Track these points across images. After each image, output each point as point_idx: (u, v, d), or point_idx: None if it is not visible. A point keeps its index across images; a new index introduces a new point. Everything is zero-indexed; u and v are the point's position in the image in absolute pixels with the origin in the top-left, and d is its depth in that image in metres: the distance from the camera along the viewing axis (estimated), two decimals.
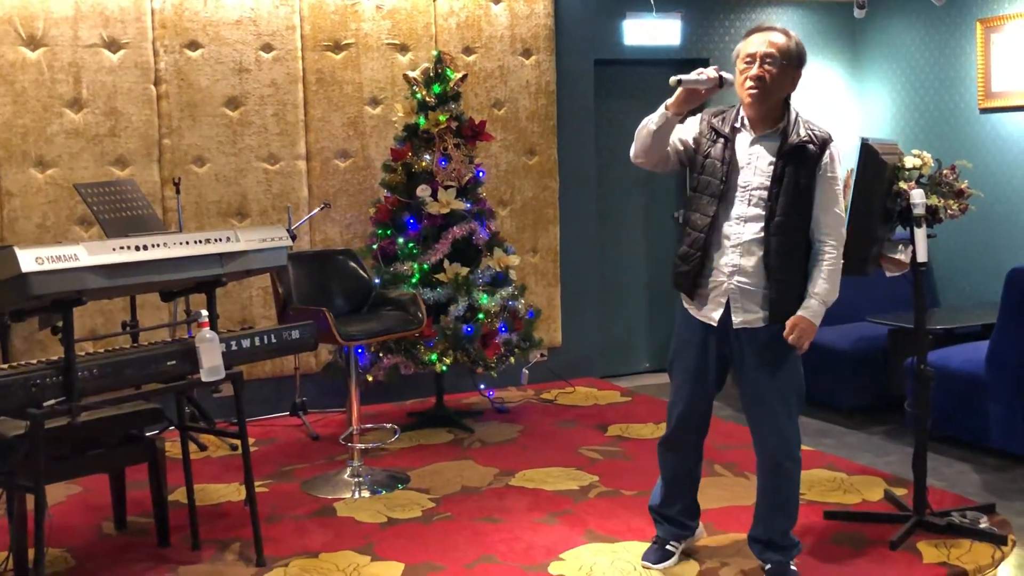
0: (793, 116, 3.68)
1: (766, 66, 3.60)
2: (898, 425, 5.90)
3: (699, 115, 3.81)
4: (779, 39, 3.64)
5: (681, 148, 3.79)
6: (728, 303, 3.69)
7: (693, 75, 3.56)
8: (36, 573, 3.55)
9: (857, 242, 4.10)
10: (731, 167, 3.67)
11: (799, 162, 3.61)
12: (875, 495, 4.79)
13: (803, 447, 5.50)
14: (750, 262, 3.64)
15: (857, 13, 7.08)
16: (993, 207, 6.59)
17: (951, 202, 4.21)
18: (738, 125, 3.72)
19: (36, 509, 3.52)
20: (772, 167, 3.63)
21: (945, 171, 4.27)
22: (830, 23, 7.84)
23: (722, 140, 3.71)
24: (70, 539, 4.45)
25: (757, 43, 3.63)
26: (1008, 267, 5.23)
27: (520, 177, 7.00)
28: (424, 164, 5.91)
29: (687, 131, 3.79)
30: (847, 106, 7.92)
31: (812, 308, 3.62)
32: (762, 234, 3.62)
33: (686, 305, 3.84)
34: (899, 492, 4.74)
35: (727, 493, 4.75)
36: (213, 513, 4.73)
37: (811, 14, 7.80)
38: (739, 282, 3.66)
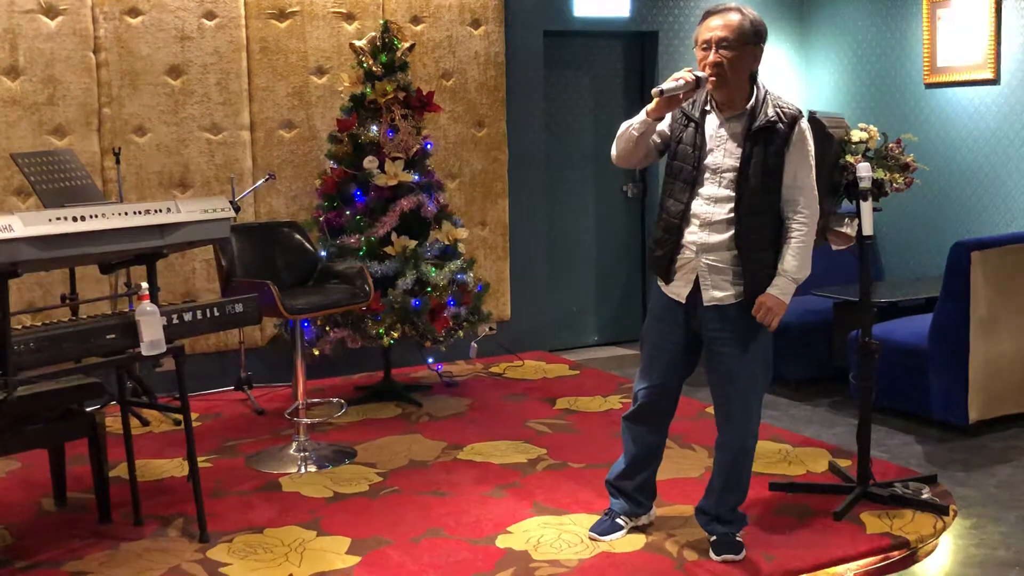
0: (762, 95, 3.67)
1: (722, 51, 3.59)
2: (843, 397, 5.97)
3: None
4: (733, 19, 3.62)
5: (659, 140, 3.79)
6: (697, 280, 3.70)
7: (671, 82, 3.53)
8: None
9: None
10: (701, 151, 3.67)
11: (768, 142, 3.62)
12: (820, 467, 4.84)
13: None
14: (718, 239, 3.65)
15: None
16: (937, 181, 6.66)
17: (896, 176, 4.23)
18: (708, 108, 3.72)
19: None
20: (741, 148, 3.63)
21: (891, 145, 4.29)
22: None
23: (692, 124, 3.70)
24: (8, 516, 4.36)
25: (711, 28, 3.62)
26: (951, 241, 5.29)
27: (469, 149, 6.94)
28: (371, 135, 5.84)
29: (661, 122, 3.77)
30: (793, 80, 7.95)
31: (780, 286, 3.64)
32: (732, 214, 3.63)
33: (659, 283, 3.85)
34: (843, 463, 4.78)
35: (673, 465, 4.76)
36: (155, 489, 4.66)
37: None
38: (707, 260, 3.67)
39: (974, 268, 5.10)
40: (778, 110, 3.64)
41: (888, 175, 4.20)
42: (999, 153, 6.48)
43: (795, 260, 3.64)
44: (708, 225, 3.66)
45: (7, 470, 4.90)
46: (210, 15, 6.14)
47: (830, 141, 4.12)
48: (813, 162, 3.69)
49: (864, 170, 4.10)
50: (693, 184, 3.68)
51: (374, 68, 5.87)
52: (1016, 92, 6.36)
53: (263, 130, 6.35)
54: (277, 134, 6.39)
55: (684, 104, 3.69)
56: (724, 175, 3.65)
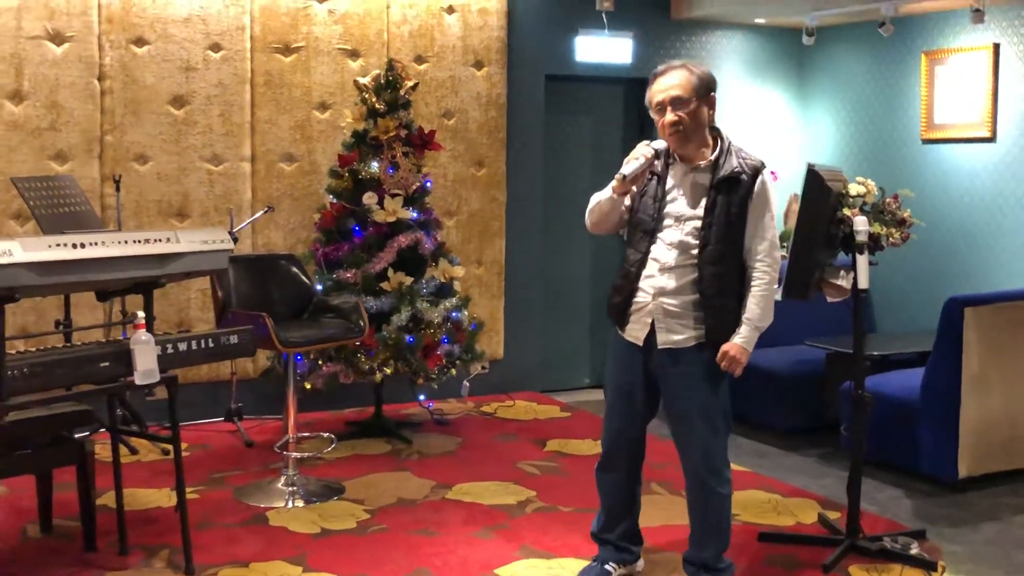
0: (725, 146, 3.75)
1: (677, 110, 3.68)
2: (833, 448, 5.96)
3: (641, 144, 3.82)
4: (681, 77, 3.72)
5: (629, 202, 3.85)
6: (653, 324, 3.74)
7: (632, 163, 3.64)
8: None
9: (800, 267, 4.15)
10: (663, 201, 3.75)
11: (731, 191, 3.69)
12: (809, 518, 4.83)
13: (739, 467, 5.56)
14: (676, 284, 3.70)
15: (806, 40, 7.18)
16: (932, 237, 6.69)
17: (893, 230, 4.26)
18: (671, 160, 3.79)
19: None
20: (705, 198, 3.70)
21: (888, 200, 4.32)
22: (777, 48, 7.93)
23: (655, 177, 3.78)
24: None
25: (663, 90, 3.72)
26: (945, 296, 5.31)
27: (468, 188, 6.98)
28: (371, 171, 5.87)
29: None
30: (791, 131, 8.02)
31: (744, 334, 3.69)
32: (695, 261, 3.68)
33: (617, 328, 3.89)
34: (832, 515, 4.78)
35: (663, 512, 4.75)
36: (142, 518, 4.64)
37: (758, 38, 7.88)
38: (663, 303, 3.72)
39: (967, 324, 5.11)
40: (741, 161, 3.72)
41: (885, 230, 4.23)
42: (994, 211, 6.53)
43: (758, 308, 3.70)
44: (668, 270, 3.71)
45: None
46: (216, 47, 6.18)
47: (828, 194, 4.15)
48: (775, 211, 3.76)
49: (861, 224, 4.13)
50: (652, 232, 3.75)
51: (377, 105, 5.91)
52: (1012, 151, 6.42)
53: (264, 162, 6.37)
54: (278, 167, 6.41)
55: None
56: (688, 223, 3.71)
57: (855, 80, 7.52)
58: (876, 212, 4.29)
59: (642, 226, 3.78)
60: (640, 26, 7.41)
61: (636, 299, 3.77)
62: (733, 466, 5.54)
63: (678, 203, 3.74)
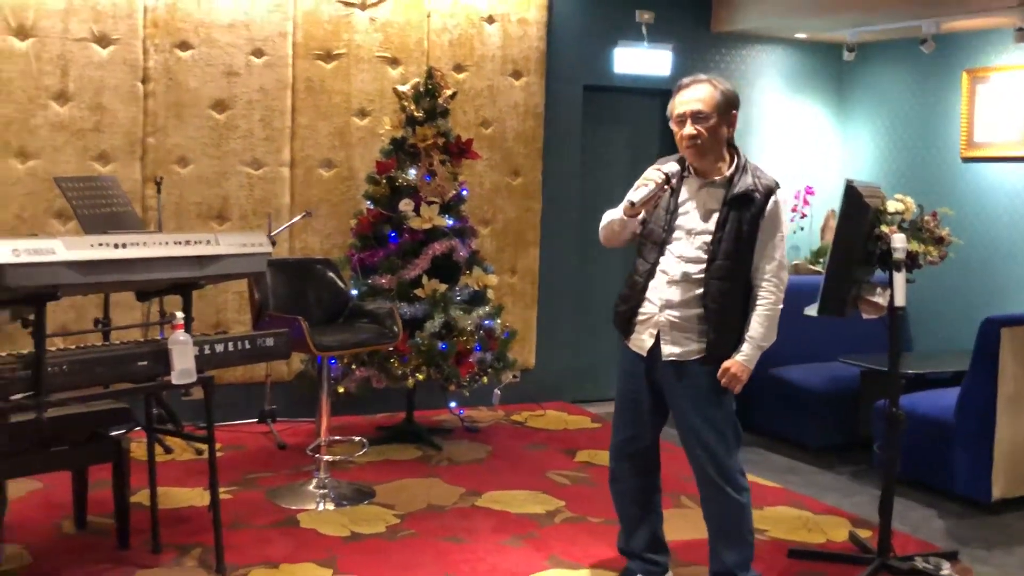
0: (741, 163, 3.76)
1: (697, 124, 3.69)
2: (865, 466, 5.92)
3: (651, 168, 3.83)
4: (704, 92, 3.72)
5: (643, 216, 3.86)
6: (658, 335, 3.76)
7: (642, 190, 3.63)
8: None
9: (836, 283, 4.13)
10: (675, 214, 3.77)
11: (743, 209, 3.70)
12: (840, 535, 4.80)
13: (769, 483, 5.54)
14: (683, 297, 3.72)
15: (846, 56, 7.16)
16: (970, 255, 6.64)
17: (931, 248, 4.24)
18: (686, 173, 3.80)
19: None
20: (717, 213, 3.71)
21: (927, 217, 4.30)
22: (817, 63, 7.90)
23: (669, 189, 3.78)
24: (28, 536, 4.39)
25: (685, 102, 3.73)
26: (982, 316, 5.27)
27: (503, 197, 7.00)
28: (408, 178, 5.90)
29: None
30: (830, 147, 7.99)
31: (746, 352, 3.71)
32: (702, 275, 3.70)
33: (622, 338, 3.91)
34: (864, 534, 4.74)
35: (692, 525, 4.73)
36: (175, 517, 4.68)
37: (798, 53, 7.86)
38: (669, 315, 3.73)
39: (1003, 345, 5.07)
40: (756, 180, 3.73)
41: (923, 247, 4.21)
42: None
43: (761, 327, 3.70)
44: (675, 283, 3.73)
45: (29, 490, 4.93)
46: (258, 53, 6.25)
47: (866, 210, 4.14)
48: (785, 232, 3.77)
49: (899, 241, 4.11)
50: (662, 244, 3.77)
51: (416, 113, 5.95)
52: None
53: (303, 167, 6.43)
54: (316, 172, 6.47)
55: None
56: (698, 237, 3.72)
57: (895, 97, 7.48)
58: (914, 230, 4.26)
59: (652, 237, 3.80)
60: (680, 39, 7.41)
61: (642, 309, 3.80)
62: (764, 481, 5.56)
63: (690, 216, 3.75)
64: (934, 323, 7.03)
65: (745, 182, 3.70)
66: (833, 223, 7.47)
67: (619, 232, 3.83)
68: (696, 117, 3.69)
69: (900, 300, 4.14)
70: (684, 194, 3.78)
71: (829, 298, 4.13)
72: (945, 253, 4.32)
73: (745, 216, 3.68)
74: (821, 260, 7.50)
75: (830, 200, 7.70)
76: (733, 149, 3.81)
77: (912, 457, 5.37)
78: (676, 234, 3.75)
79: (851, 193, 4.08)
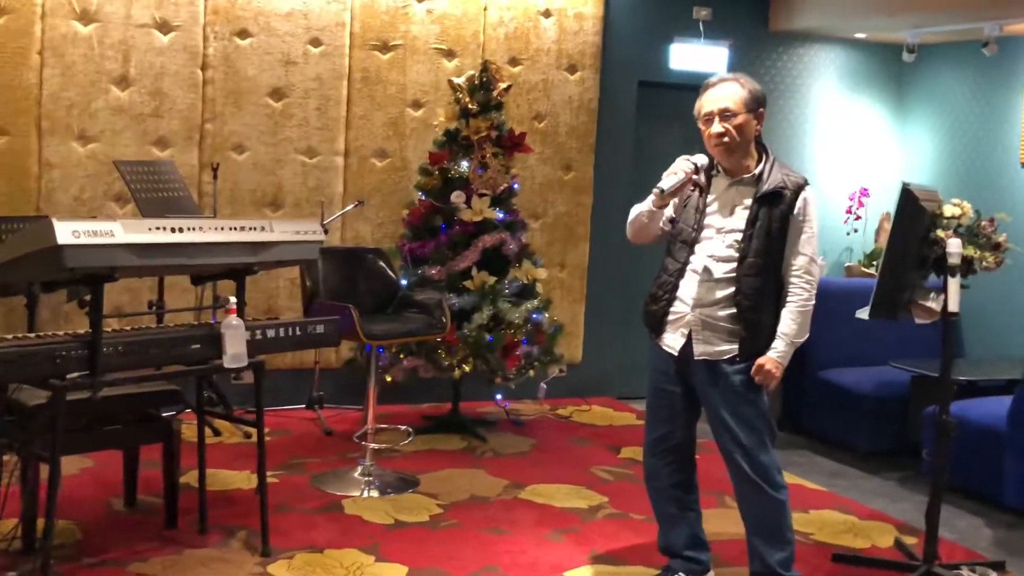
0: (770, 162, 3.77)
1: (724, 122, 3.70)
2: (913, 472, 5.85)
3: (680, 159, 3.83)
4: (731, 90, 3.74)
5: (672, 213, 3.88)
6: (690, 334, 3.75)
7: (671, 178, 3.66)
8: (45, 542, 3.57)
9: (889, 286, 4.09)
10: (704, 213, 3.77)
11: (773, 206, 3.70)
12: (885, 541, 4.75)
13: (815, 487, 5.50)
14: (717, 296, 3.71)
15: (906, 57, 7.07)
16: None
17: (987, 254, 4.17)
18: (715, 172, 3.81)
19: (50, 480, 3.54)
20: (747, 211, 3.71)
21: (984, 223, 4.23)
22: (876, 63, 7.81)
23: (698, 189, 3.79)
24: (79, 513, 4.47)
25: (712, 101, 3.75)
26: None
27: (555, 191, 7.00)
28: (461, 170, 5.93)
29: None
30: (888, 148, 7.89)
31: (779, 349, 3.69)
32: (733, 273, 3.69)
33: (652, 336, 3.91)
34: (909, 541, 4.70)
35: (737, 526, 4.70)
36: (222, 499, 4.75)
37: (857, 53, 7.77)
38: (702, 314, 3.73)
39: None
40: (785, 177, 3.73)
41: (979, 253, 4.15)
42: None
43: (794, 324, 3.69)
44: (707, 282, 3.72)
45: (81, 467, 5.02)
46: (316, 42, 6.30)
47: (922, 214, 4.09)
48: (816, 229, 3.76)
49: (954, 246, 4.05)
50: (693, 243, 3.77)
51: (470, 105, 5.97)
52: None
53: (356, 157, 6.48)
54: (370, 162, 6.51)
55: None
56: (728, 235, 3.72)
57: (955, 100, 7.37)
58: (970, 235, 4.20)
59: (682, 236, 3.80)
60: (737, 36, 7.36)
61: (673, 309, 3.80)
62: (810, 484, 5.53)
63: (720, 215, 3.75)
64: (988, 330, 6.93)
65: (775, 179, 3.71)
66: (888, 226, 7.37)
67: (647, 225, 3.82)
68: (724, 115, 3.70)
69: (954, 306, 4.08)
70: (713, 193, 3.79)
71: (882, 301, 4.09)
72: (1002, 259, 4.25)
73: (775, 213, 3.69)
74: (875, 263, 7.41)
75: (885, 203, 7.61)
76: (761, 147, 3.81)
77: (961, 465, 5.30)
78: (706, 232, 3.75)
79: (907, 196, 4.03)
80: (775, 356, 3.68)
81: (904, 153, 7.83)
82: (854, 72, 7.79)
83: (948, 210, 4.18)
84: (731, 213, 3.74)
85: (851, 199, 7.66)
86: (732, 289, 3.70)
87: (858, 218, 7.65)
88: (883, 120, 7.89)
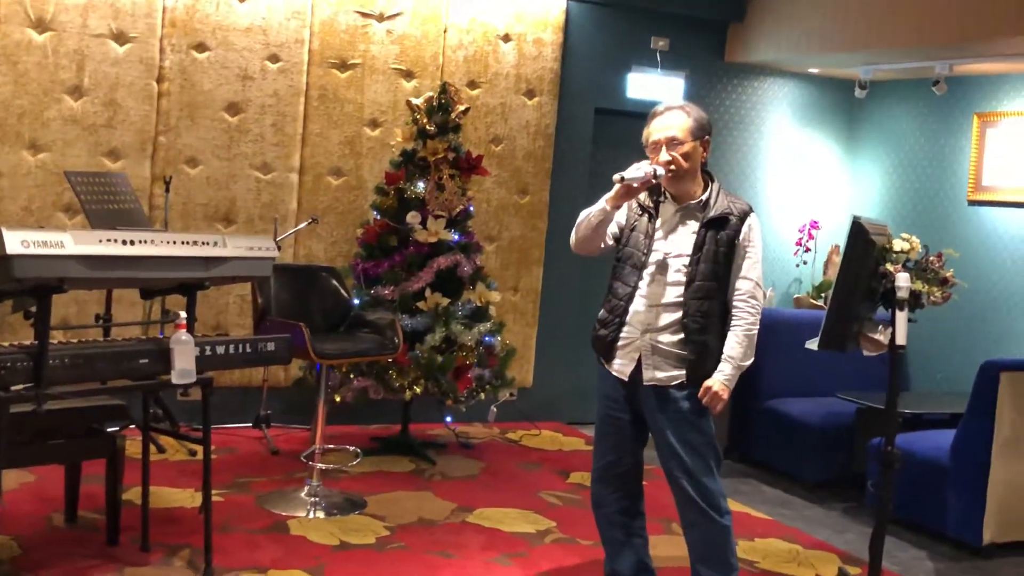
0: (716, 189, 3.84)
1: (672, 151, 3.75)
2: (857, 504, 5.91)
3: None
4: (680, 120, 3.81)
5: (616, 229, 3.92)
6: (640, 359, 3.77)
7: (632, 170, 3.67)
8: None
9: (838, 318, 4.13)
10: (652, 238, 3.82)
11: (719, 231, 3.77)
12: (829, 572, 4.79)
13: (761, 515, 5.53)
14: (664, 321, 3.75)
15: (858, 93, 7.19)
16: (973, 298, 6.65)
17: (935, 289, 4.24)
18: (662, 198, 3.86)
19: None
20: (695, 235, 3.77)
21: (932, 258, 4.30)
22: (829, 98, 7.94)
23: (647, 215, 3.85)
24: (18, 528, 4.38)
25: (659, 129, 3.81)
26: (981, 359, 5.28)
27: (510, 215, 7.02)
28: (417, 191, 5.92)
29: (618, 211, 3.87)
30: (839, 181, 8.01)
31: (726, 372, 3.72)
32: (681, 298, 3.74)
33: (602, 362, 3.92)
34: (853, 571, 4.73)
35: (683, 552, 4.71)
36: (165, 517, 4.68)
37: (810, 87, 7.90)
38: (652, 340, 3.76)
39: (1002, 389, 5.08)
40: (731, 203, 3.80)
41: (926, 288, 4.21)
42: None
43: (740, 347, 3.73)
44: (656, 307, 3.76)
45: (21, 482, 4.92)
46: (274, 58, 6.27)
47: (872, 247, 4.14)
48: (760, 255, 3.83)
49: (903, 280, 4.10)
50: (642, 268, 3.81)
51: (428, 126, 5.97)
52: None
53: (312, 174, 6.45)
54: (325, 180, 6.49)
55: (640, 196, 3.82)
56: (675, 260, 3.77)
57: (905, 136, 7.51)
58: (919, 269, 4.26)
59: (632, 260, 3.83)
60: (693, 67, 7.44)
61: (623, 334, 3.82)
62: (756, 512, 5.56)
63: (668, 240, 3.80)
64: (933, 364, 7.04)
65: (720, 205, 3.78)
66: (837, 259, 7.49)
67: (595, 230, 3.80)
68: (671, 143, 3.75)
69: (901, 339, 4.13)
70: (661, 219, 3.84)
71: (831, 333, 4.13)
72: (948, 295, 4.31)
73: (721, 238, 3.75)
74: (823, 295, 7.51)
75: (835, 235, 7.72)
76: (706, 174, 3.88)
77: (905, 497, 5.36)
78: (654, 256, 3.79)
79: (857, 229, 4.08)
80: (722, 379, 3.70)
81: (854, 187, 7.95)
82: (807, 106, 7.91)
83: (897, 244, 4.24)
84: (679, 239, 3.79)
85: (801, 231, 7.75)
86: (680, 313, 3.73)
87: (808, 250, 7.74)
88: (834, 154, 8.01)
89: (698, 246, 3.75)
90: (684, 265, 3.75)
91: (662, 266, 3.77)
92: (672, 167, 3.74)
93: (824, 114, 7.96)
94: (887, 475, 4.27)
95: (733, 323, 3.76)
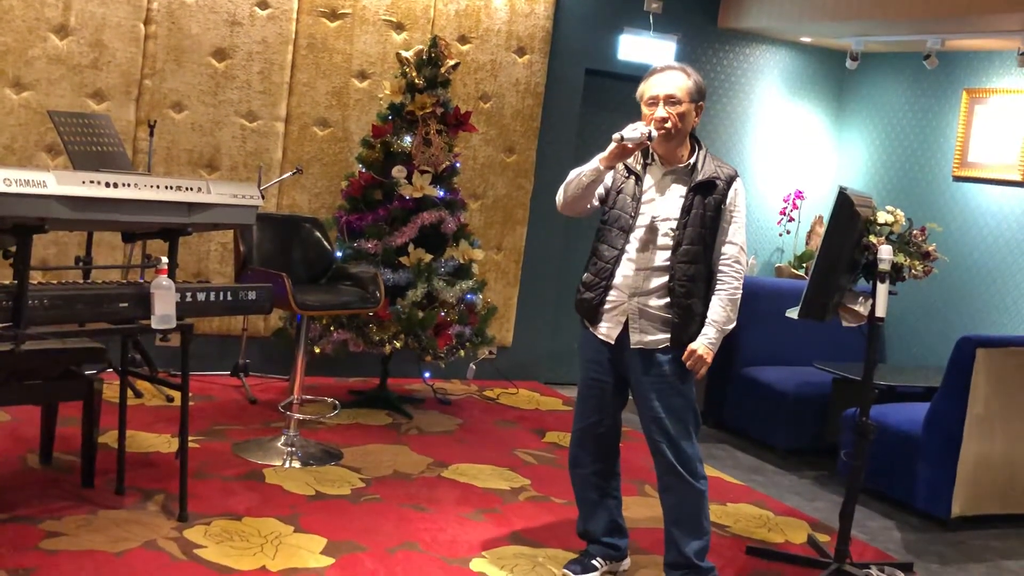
0: (703, 154, 3.84)
1: (668, 107, 3.73)
2: (829, 473, 5.97)
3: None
4: (679, 79, 3.79)
5: (602, 191, 3.90)
6: (627, 323, 3.78)
7: (630, 130, 3.66)
8: None
9: (820, 288, 4.15)
10: (639, 201, 3.80)
11: (706, 195, 3.77)
12: (798, 538, 4.84)
13: (733, 480, 5.58)
14: (652, 285, 3.76)
15: (849, 64, 7.17)
16: (953, 274, 6.70)
17: (916, 262, 4.26)
18: (649, 161, 3.85)
19: None
20: (682, 199, 3.77)
21: (915, 232, 4.32)
22: (818, 67, 7.92)
23: (633, 176, 3.83)
24: None
25: (659, 85, 3.78)
26: (958, 334, 5.32)
27: (496, 173, 6.99)
28: (403, 145, 5.89)
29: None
30: (824, 152, 8.01)
31: (710, 336, 3.75)
32: (668, 262, 3.74)
33: (586, 325, 3.92)
34: (822, 538, 4.79)
35: (654, 514, 4.76)
36: (141, 461, 4.68)
37: (801, 56, 7.88)
38: (639, 303, 3.77)
39: (977, 364, 5.12)
40: (718, 168, 3.81)
41: (908, 261, 4.23)
42: (1017, 255, 6.53)
43: (724, 311, 3.76)
44: (643, 270, 3.76)
45: None
46: (263, 4, 6.20)
47: (856, 219, 4.16)
48: (744, 220, 3.85)
49: (885, 252, 4.13)
50: (629, 231, 3.80)
51: (416, 80, 5.93)
52: None
53: (297, 124, 6.40)
54: (311, 130, 6.44)
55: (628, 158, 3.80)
56: (663, 223, 3.77)
57: (894, 109, 7.51)
58: (902, 243, 4.29)
59: (619, 223, 3.82)
60: (685, 31, 7.40)
61: (610, 297, 3.82)
62: (728, 478, 5.61)
63: (656, 203, 3.79)
64: (911, 337, 7.09)
65: (708, 169, 3.79)
66: (820, 229, 7.51)
67: (585, 190, 3.78)
68: (669, 101, 3.74)
69: (881, 311, 4.16)
70: (648, 181, 3.83)
71: (811, 302, 4.15)
72: (930, 269, 4.34)
73: (709, 202, 3.76)
74: (804, 264, 7.54)
75: (819, 206, 7.73)
76: (694, 139, 3.87)
77: (877, 468, 5.42)
78: (641, 220, 3.79)
79: (843, 200, 4.09)
80: (706, 342, 3.73)
81: (840, 158, 7.96)
82: (797, 75, 7.89)
83: (882, 217, 4.26)
84: (667, 202, 3.79)
85: (786, 200, 7.76)
86: (667, 277, 3.74)
87: (791, 220, 7.76)
88: (822, 124, 8.01)
89: (685, 210, 3.75)
90: (671, 229, 3.75)
91: (650, 229, 3.77)
92: (667, 125, 3.72)
93: (814, 84, 7.95)
94: (860, 446, 4.31)
95: (717, 287, 3.77)
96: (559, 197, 3.91)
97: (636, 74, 7.26)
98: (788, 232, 7.79)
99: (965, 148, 6.89)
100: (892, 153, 7.50)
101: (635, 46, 7.25)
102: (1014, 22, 5.81)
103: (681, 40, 7.38)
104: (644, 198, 3.81)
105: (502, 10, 6.83)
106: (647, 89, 3.81)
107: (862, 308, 4.21)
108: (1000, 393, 5.22)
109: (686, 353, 3.74)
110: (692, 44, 7.46)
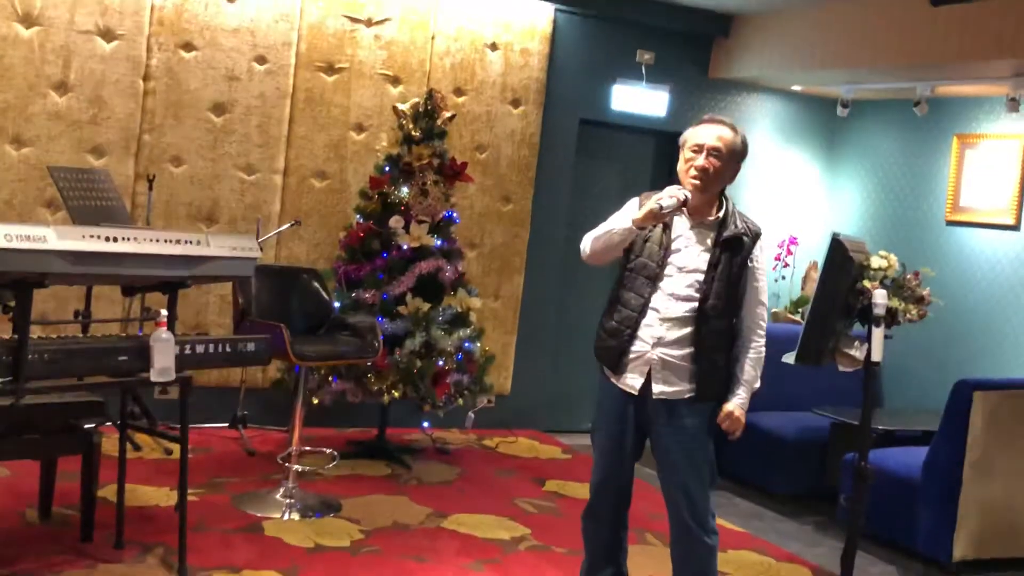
0: (731, 207, 3.86)
1: (711, 158, 3.75)
2: (829, 518, 5.96)
3: (637, 199, 3.86)
4: (727, 134, 3.80)
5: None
6: (649, 373, 3.77)
7: (668, 199, 3.64)
8: None
9: (816, 333, 4.16)
10: (669, 250, 3.80)
11: (734, 251, 3.79)
12: None
13: (734, 527, 5.57)
14: (676, 336, 3.74)
15: (840, 111, 7.25)
16: (948, 318, 6.70)
17: (911, 307, 4.28)
18: (680, 212, 3.81)
19: None
20: (708, 253, 3.78)
21: (909, 276, 4.34)
22: (810, 115, 8.01)
23: (662, 225, 3.80)
24: None
25: (706, 135, 3.79)
26: (955, 378, 5.33)
27: (492, 222, 7.04)
28: (401, 196, 5.94)
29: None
30: (817, 199, 8.08)
31: (743, 396, 3.79)
32: (693, 313, 3.74)
33: (607, 374, 3.91)
34: None
35: (656, 563, 4.76)
36: (140, 515, 4.67)
37: (792, 104, 7.96)
38: (662, 354, 3.75)
39: (975, 408, 5.13)
40: (745, 224, 3.84)
41: (903, 305, 4.25)
42: (1011, 298, 6.56)
43: (754, 370, 3.81)
44: (668, 320, 3.75)
45: None
46: (261, 60, 6.28)
47: (850, 264, 4.18)
48: (765, 279, 3.89)
49: (880, 297, 4.14)
50: (656, 280, 3.78)
51: (413, 132, 6.00)
52: None
53: (296, 176, 6.45)
54: (309, 182, 6.49)
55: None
56: (690, 275, 3.77)
57: (885, 155, 7.58)
58: (896, 287, 4.30)
59: (645, 271, 3.80)
60: (677, 81, 7.50)
61: (634, 348, 3.79)
62: (729, 525, 5.60)
63: (683, 254, 3.79)
64: (908, 381, 7.10)
65: (736, 225, 3.79)
66: (815, 274, 7.55)
67: (617, 245, 3.78)
68: (712, 152, 3.75)
69: (877, 355, 4.17)
70: (677, 230, 3.82)
71: (807, 347, 4.16)
72: (924, 312, 4.36)
73: (736, 259, 3.77)
74: (800, 310, 7.56)
75: (813, 251, 7.78)
76: (723, 195, 3.89)
77: (877, 512, 5.41)
78: (669, 270, 3.77)
79: (837, 246, 4.12)
80: (740, 403, 3.76)
81: (833, 204, 8.02)
82: (789, 123, 7.98)
83: (875, 262, 4.28)
84: (695, 254, 3.78)
85: (780, 247, 7.81)
86: (690, 329, 3.73)
87: (786, 265, 7.80)
88: (814, 171, 8.08)
89: (713, 264, 3.76)
90: (698, 281, 3.75)
91: (676, 280, 3.76)
92: (707, 171, 3.72)
93: (805, 132, 8.03)
94: (859, 491, 4.30)
95: (747, 347, 3.79)
96: (585, 248, 3.89)
97: (629, 124, 7.43)
98: (783, 278, 7.82)
99: (957, 193, 6.95)
100: (885, 199, 7.55)
101: (628, 96, 7.34)
102: (1003, 68, 5.89)
103: (673, 90, 7.46)
104: (673, 248, 3.80)
105: (497, 63, 6.92)
106: (693, 136, 3.81)
107: (858, 353, 4.22)
108: (998, 436, 5.22)
109: (722, 415, 3.75)
110: (684, 94, 7.54)
